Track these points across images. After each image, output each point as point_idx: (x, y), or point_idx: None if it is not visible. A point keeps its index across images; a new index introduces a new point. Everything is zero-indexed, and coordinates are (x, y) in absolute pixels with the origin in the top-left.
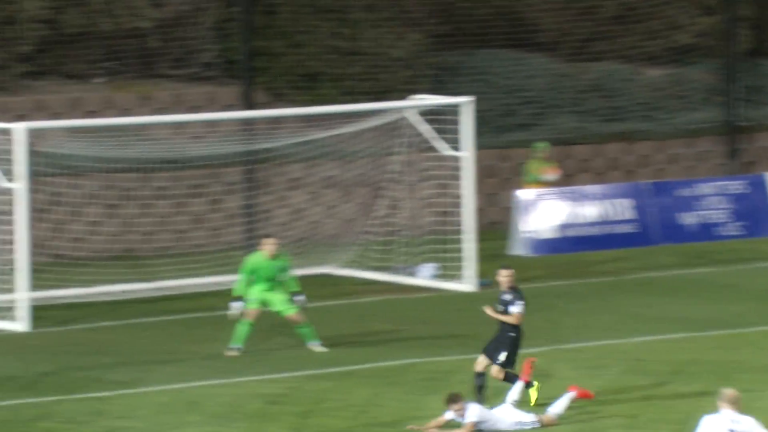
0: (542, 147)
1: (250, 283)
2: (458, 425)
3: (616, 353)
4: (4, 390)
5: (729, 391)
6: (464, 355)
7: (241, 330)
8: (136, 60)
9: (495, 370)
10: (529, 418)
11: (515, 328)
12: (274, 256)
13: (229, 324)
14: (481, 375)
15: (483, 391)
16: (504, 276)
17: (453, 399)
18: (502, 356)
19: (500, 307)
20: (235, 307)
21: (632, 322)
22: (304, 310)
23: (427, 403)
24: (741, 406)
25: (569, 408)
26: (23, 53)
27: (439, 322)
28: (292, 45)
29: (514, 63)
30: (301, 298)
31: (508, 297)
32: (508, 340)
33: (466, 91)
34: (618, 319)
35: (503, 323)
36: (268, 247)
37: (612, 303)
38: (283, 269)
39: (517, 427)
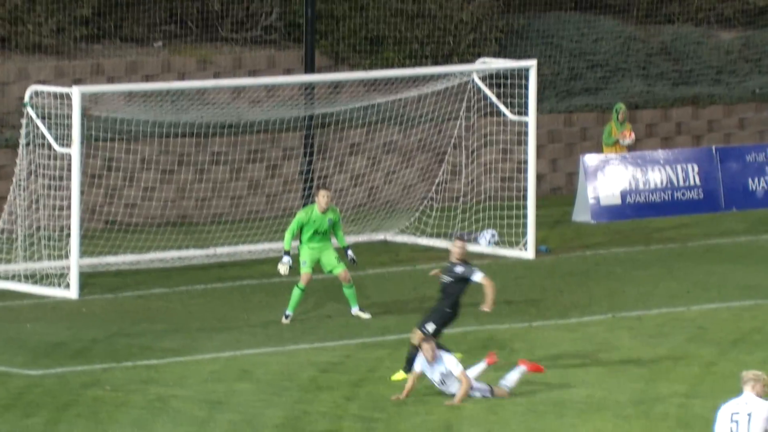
0: (621, 108)
1: (300, 236)
2: (438, 390)
3: (678, 321)
4: (53, 357)
5: (746, 373)
6: (521, 323)
7: (294, 296)
8: (197, 23)
9: (417, 336)
10: (481, 386)
11: (453, 306)
12: (326, 210)
13: (282, 291)
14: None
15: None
16: (457, 247)
17: (426, 338)
18: (430, 327)
19: (449, 279)
20: (285, 261)
21: (695, 289)
22: (353, 267)
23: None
24: (762, 387)
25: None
26: (82, 16)
27: (496, 289)
28: (355, 8)
29: (582, 26)
30: (350, 253)
31: (460, 269)
32: (443, 316)
33: (531, 55)
34: (681, 286)
35: (442, 299)
36: (320, 198)
37: (675, 270)
38: (335, 223)
39: (468, 393)
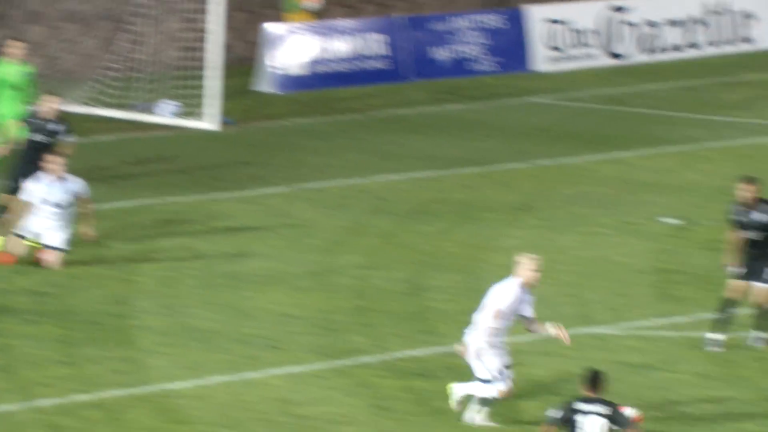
0: None
1: None
2: None
3: (359, 193)
4: None
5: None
6: (201, 195)
7: None
8: None
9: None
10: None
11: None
12: (19, 62)
13: None
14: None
15: None
16: (52, 103)
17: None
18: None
19: (42, 138)
20: None
21: (377, 160)
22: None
23: (160, 244)
24: (531, 273)
25: None
26: None
27: (177, 161)
28: None
29: None
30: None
31: (59, 127)
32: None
33: None
34: (363, 157)
35: (32, 159)
36: (15, 50)
37: (358, 141)
38: (30, 78)
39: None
